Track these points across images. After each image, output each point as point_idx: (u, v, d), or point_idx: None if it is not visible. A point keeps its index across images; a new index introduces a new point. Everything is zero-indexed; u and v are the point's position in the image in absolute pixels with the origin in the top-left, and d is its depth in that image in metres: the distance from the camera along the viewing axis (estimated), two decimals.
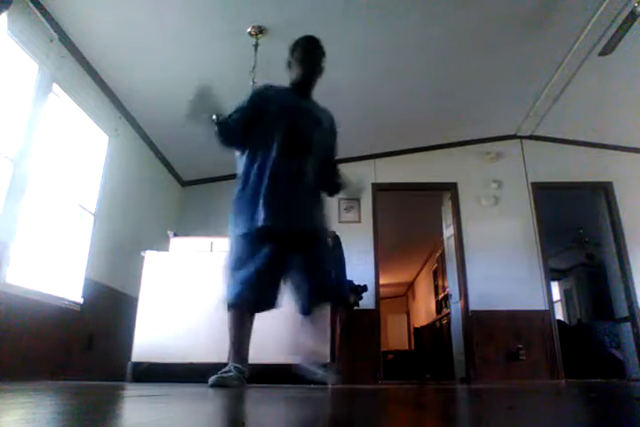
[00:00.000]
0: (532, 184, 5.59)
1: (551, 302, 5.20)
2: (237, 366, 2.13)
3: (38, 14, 3.08)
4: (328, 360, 2.36)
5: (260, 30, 3.54)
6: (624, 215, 5.42)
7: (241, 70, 3.59)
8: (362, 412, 1.11)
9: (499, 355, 4.97)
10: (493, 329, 5.03)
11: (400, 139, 5.48)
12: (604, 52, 3.61)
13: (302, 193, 2.24)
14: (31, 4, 3.01)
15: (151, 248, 3.52)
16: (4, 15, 2.69)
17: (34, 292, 3.06)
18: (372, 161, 5.66)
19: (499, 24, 3.82)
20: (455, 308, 5.52)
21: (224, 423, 0.89)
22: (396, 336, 11.61)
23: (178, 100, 4.43)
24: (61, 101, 3.51)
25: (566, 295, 9.70)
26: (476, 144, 5.76)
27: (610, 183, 5.57)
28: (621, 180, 5.55)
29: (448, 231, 5.81)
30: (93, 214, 3.85)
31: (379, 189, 5.52)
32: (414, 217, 7.13)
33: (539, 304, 5.12)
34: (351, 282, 4.32)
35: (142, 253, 3.45)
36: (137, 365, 3.14)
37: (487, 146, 5.76)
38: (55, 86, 3.36)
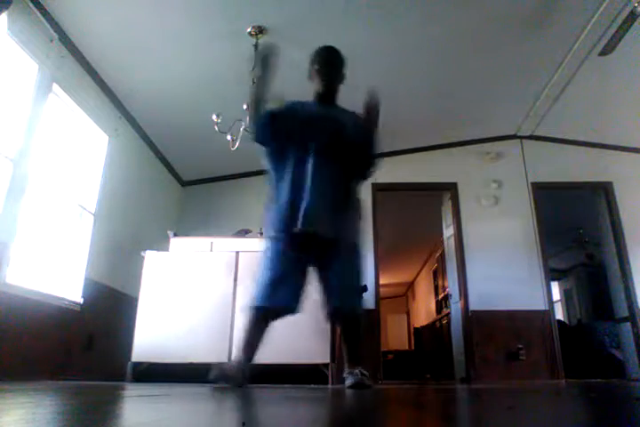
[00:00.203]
0: (532, 184, 5.58)
1: (551, 302, 5.19)
2: (239, 362, 2.15)
3: (38, 14, 3.08)
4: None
5: (259, 30, 3.55)
6: (624, 215, 5.42)
7: (241, 70, 3.59)
8: (362, 412, 1.11)
9: (499, 355, 4.96)
10: (493, 329, 5.03)
11: (400, 139, 5.47)
12: (603, 52, 3.61)
13: (337, 204, 2.28)
14: (31, 4, 3.01)
15: (151, 248, 3.53)
16: (4, 15, 2.69)
17: (34, 292, 3.06)
18: None
19: (499, 24, 3.82)
20: (455, 308, 5.52)
21: (224, 423, 0.89)
22: (395, 336, 11.61)
23: (178, 100, 4.51)
24: (61, 101, 3.51)
25: (566, 295, 9.69)
26: (475, 144, 5.76)
27: (610, 183, 5.57)
28: (621, 180, 5.55)
29: (448, 231, 5.81)
30: (93, 214, 3.85)
31: (378, 188, 5.51)
32: (414, 217, 7.13)
33: (539, 304, 5.11)
34: None
35: (142, 253, 3.46)
36: (137, 365, 3.14)
37: (487, 146, 5.76)
38: (55, 86, 3.36)
